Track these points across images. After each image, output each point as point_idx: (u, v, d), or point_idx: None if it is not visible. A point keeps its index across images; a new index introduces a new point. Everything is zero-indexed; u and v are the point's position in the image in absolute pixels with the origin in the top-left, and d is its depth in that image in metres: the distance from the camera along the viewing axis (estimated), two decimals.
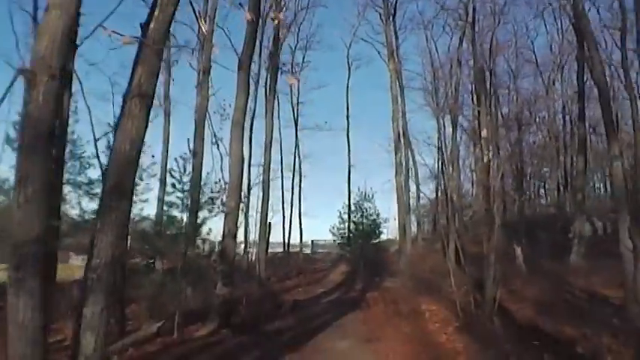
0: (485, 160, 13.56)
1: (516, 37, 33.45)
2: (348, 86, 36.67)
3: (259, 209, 27.28)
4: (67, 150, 14.02)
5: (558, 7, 29.45)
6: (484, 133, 13.64)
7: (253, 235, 26.22)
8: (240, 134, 11.30)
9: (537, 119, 36.12)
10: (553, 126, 35.12)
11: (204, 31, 16.45)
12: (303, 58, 36.16)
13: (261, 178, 20.12)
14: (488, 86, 19.83)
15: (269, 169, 18.66)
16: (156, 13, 5.09)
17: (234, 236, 10.95)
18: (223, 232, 10.68)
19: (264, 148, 18.44)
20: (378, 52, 29.61)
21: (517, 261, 16.47)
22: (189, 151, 9.95)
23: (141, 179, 12.67)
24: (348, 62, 36.56)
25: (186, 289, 9.47)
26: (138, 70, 4.99)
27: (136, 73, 5.00)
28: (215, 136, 23.27)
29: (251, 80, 33.01)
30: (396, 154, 21.24)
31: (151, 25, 5.06)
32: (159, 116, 22.24)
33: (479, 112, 17.71)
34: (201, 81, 15.73)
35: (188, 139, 10.41)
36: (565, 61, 32.24)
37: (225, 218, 10.98)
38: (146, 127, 5.07)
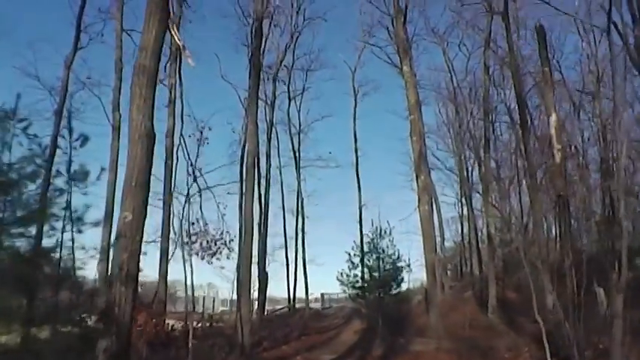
0: (558, 158, 9.20)
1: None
2: (355, 116, 32.91)
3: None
4: None
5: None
6: (553, 118, 9.34)
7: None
8: (149, 90, 6.28)
9: (571, 145, 32.07)
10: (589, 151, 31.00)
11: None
12: (304, 87, 32.85)
13: (239, 208, 15.68)
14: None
15: (253, 195, 14.26)
16: None
17: (133, 280, 5.76)
18: (111, 272, 6.01)
19: (244, 170, 14.11)
20: (390, 59, 26.25)
21: (600, 308, 11.73)
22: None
23: None
24: (354, 89, 33.00)
25: None
26: None
27: None
28: (192, 164, 19.10)
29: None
30: (417, 177, 16.90)
31: None
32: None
33: (541, 93, 13.52)
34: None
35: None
36: (601, 74, 28.41)
37: (114, 246, 6.00)
38: None
